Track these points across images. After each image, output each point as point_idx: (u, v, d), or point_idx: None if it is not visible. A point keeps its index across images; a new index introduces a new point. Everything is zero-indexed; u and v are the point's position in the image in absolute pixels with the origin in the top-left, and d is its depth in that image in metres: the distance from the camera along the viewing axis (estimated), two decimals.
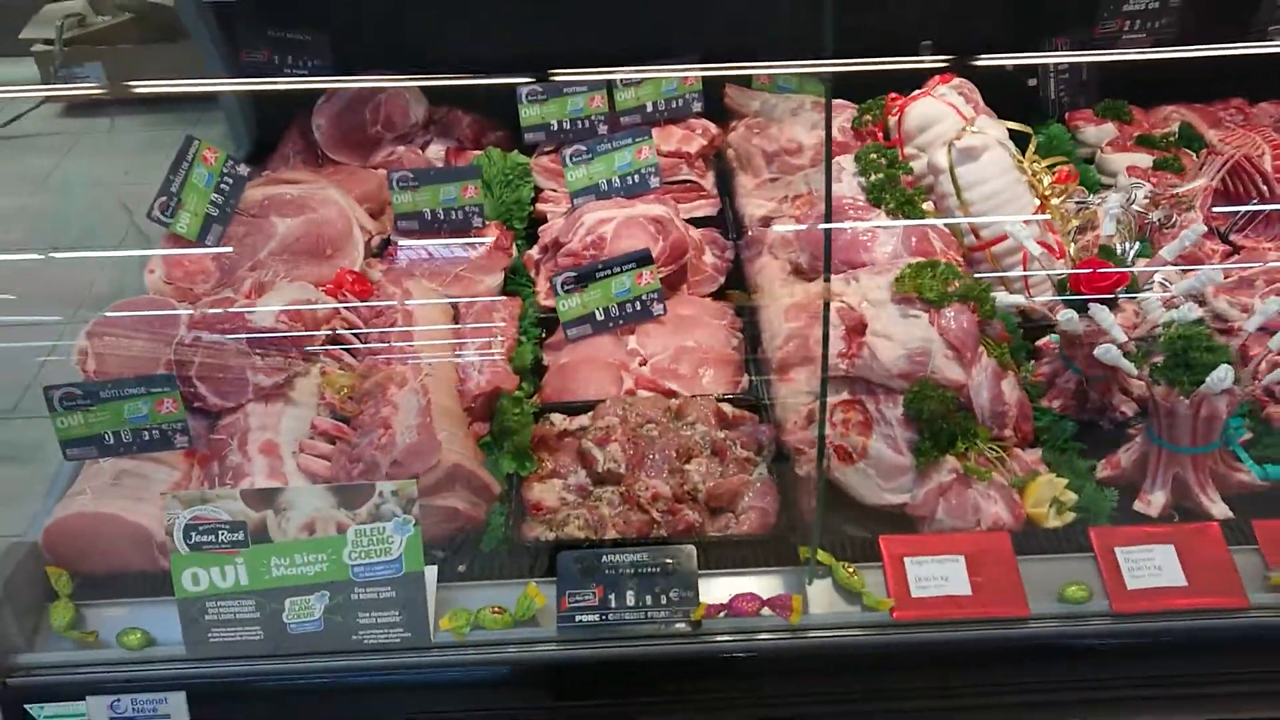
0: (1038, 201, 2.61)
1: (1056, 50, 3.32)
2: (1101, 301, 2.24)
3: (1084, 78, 3.39)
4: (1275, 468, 2.21)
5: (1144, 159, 3.14)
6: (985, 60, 3.25)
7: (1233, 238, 2.87)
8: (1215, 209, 2.86)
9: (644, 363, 2.56)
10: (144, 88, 3.23)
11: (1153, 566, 2.03)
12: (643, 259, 2.61)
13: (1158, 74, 3.43)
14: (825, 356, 1.88)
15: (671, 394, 2.46)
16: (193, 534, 1.90)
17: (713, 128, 3.19)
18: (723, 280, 2.90)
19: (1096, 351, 2.11)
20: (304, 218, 2.70)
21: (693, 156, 3.11)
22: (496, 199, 3.07)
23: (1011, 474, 2.22)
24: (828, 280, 1.87)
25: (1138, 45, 3.27)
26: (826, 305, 1.88)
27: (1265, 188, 2.81)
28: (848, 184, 2.71)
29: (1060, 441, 2.32)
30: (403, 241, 2.87)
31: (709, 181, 3.16)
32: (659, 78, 3.11)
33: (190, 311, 2.28)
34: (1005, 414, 2.23)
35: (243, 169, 2.69)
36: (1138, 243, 2.61)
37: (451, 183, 2.85)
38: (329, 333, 2.42)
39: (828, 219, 1.79)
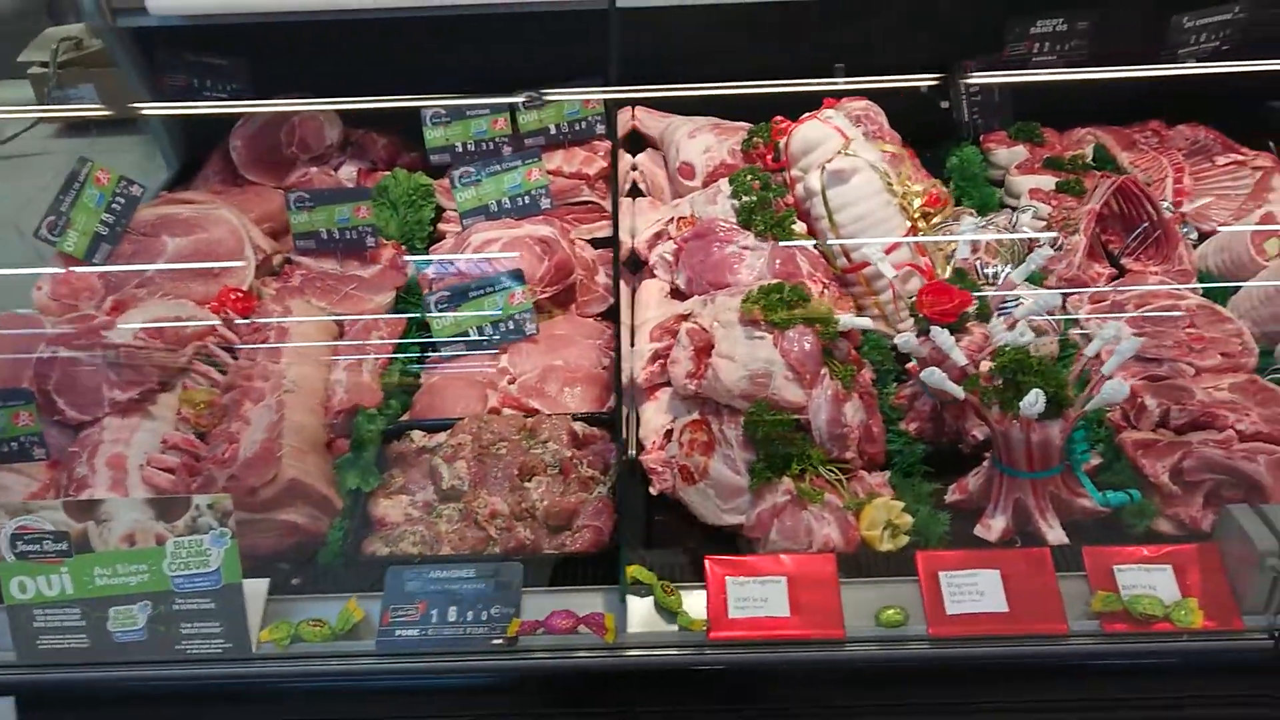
0: (909, 223, 2.61)
1: (965, 74, 3.31)
2: (943, 325, 2.24)
3: (996, 99, 3.38)
4: (1117, 494, 2.19)
5: (1050, 181, 3.12)
6: (890, 82, 3.29)
7: (1123, 261, 2.84)
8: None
9: (513, 381, 2.59)
10: (151, 109, 3.36)
11: (975, 591, 2.02)
12: (515, 279, 2.65)
13: (1073, 96, 3.41)
14: (618, 377, 1.90)
15: (533, 412, 2.49)
16: (18, 543, 1.95)
17: None
18: (613, 300, 2.93)
19: (922, 375, 2.11)
20: (193, 237, 2.78)
21: (593, 178, 3.15)
22: (400, 219, 3.13)
23: (852, 496, 2.22)
24: (617, 302, 1.88)
25: (1048, 67, 3.26)
26: (617, 325, 1.90)
27: (1152, 211, 2.79)
28: (723, 206, 2.73)
29: (907, 465, 2.32)
30: (300, 259, 2.95)
31: (610, 203, 3.19)
32: (562, 100, 3.15)
33: (48, 329, 2.35)
34: (845, 436, 2.23)
35: (136, 190, 2.77)
36: (1009, 265, 2.61)
37: (345, 203, 2.91)
38: (196, 348, 2.47)
39: (615, 242, 1.80)
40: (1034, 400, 1.96)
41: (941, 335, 2.19)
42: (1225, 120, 3.34)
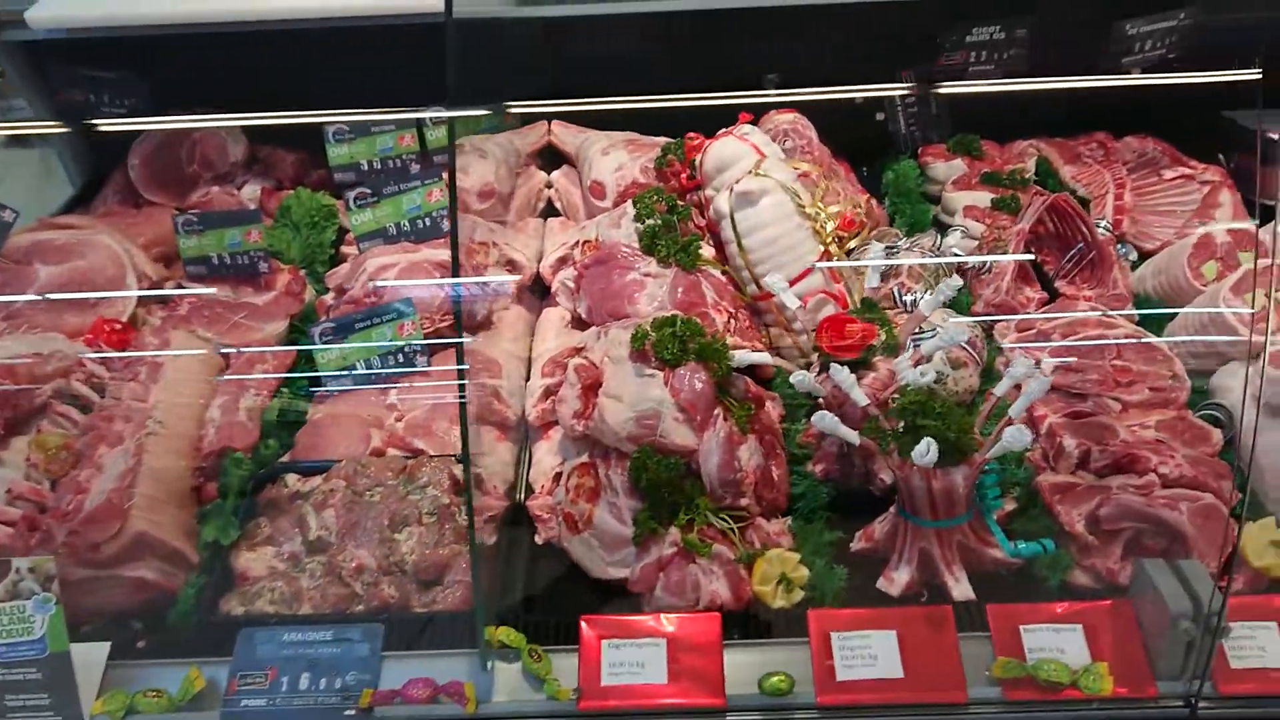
0: (821, 248, 2.44)
1: (901, 84, 3.15)
2: (844, 361, 2.09)
3: (934, 111, 3.22)
4: (1029, 545, 2.03)
5: (986, 198, 2.95)
6: (824, 93, 3.12)
7: (1057, 284, 2.68)
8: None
9: (400, 418, 2.43)
10: (113, 125, 3.19)
11: (868, 655, 1.86)
12: (407, 307, 2.49)
13: (1016, 107, 3.26)
14: (464, 420, 1.74)
15: (418, 453, 2.33)
16: None
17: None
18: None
19: (814, 419, 1.95)
20: (69, 265, 2.62)
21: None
22: (302, 241, 2.97)
23: (747, 547, 2.06)
24: (460, 338, 1.72)
25: (986, 77, 3.08)
26: (460, 360, 1.74)
27: (1085, 231, 2.63)
28: (626, 229, 2.57)
29: (810, 510, 2.16)
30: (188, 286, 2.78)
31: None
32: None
33: None
34: (739, 482, 2.06)
35: (8, 215, 2.62)
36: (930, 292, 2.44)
37: (236, 227, 2.75)
38: (56, 386, 2.31)
39: (454, 267, 1.65)
40: (925, 450, 1.80)
41: (841, 373, 2.03)
42: (1175, 131, 3.18)
